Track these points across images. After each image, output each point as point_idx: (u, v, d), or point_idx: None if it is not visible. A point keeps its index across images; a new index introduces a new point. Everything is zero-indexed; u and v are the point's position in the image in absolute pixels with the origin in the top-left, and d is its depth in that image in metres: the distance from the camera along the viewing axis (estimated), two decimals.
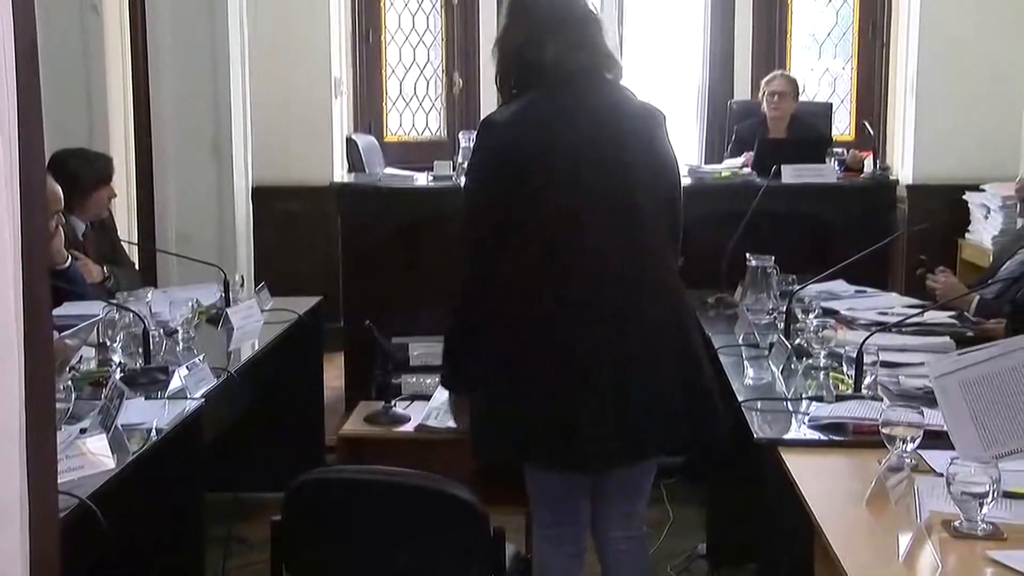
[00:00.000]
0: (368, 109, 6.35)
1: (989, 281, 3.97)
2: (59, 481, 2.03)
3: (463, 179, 4.74)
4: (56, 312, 3.36)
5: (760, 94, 5.52)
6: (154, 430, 2.46)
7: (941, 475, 1.93)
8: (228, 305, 3.67)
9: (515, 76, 2.48)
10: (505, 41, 2.50)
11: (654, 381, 2.40)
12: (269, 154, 5.50)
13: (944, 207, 5.37)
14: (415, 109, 6.53)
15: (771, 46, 6.36)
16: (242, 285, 3.94)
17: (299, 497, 2.22)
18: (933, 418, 2.27)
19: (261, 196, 5.43)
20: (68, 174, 3.74)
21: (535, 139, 2.40)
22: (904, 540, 1.79)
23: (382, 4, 6.29)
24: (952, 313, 3.46)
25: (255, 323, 3.59)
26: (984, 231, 5.19)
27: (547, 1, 2.48)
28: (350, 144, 5.77)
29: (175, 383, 2.79)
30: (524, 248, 2.40)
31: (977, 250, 5.23)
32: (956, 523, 1.85)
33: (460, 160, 4.88)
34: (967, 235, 5.37)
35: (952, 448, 2.09)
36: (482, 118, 2.58)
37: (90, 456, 2.17)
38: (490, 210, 2.42)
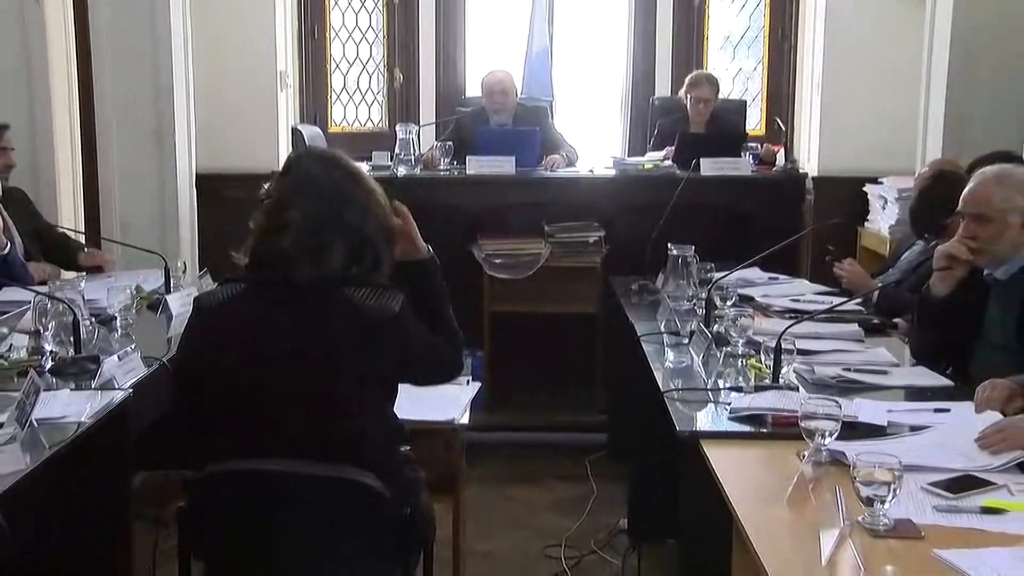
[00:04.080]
0: (313, 101, 6.10)
1: (889, 270, 3.85)
2: None
3: (400, 169, 4.63)
4: None
5: (683, 92, 5.30)
6: (78, 423, 2.20)
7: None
8: (169, 292, 3.41)
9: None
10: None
11: None
12: (215, 143, 5.18)
13: (846, 198, 5.23)
14: (358, 102, 6.30)
15: (689, 48, 6.20)
16: (184, 271, 3.67)
17: (202, 486, 2.00)
18: (849, 408, 2.11)
19: (206, 184, 5.11)
20: None
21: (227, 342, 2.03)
22: (825, 538, 1.62)
23: (327, 3, 6.06)
24: (858, 300, 3.32)
25: None
26: (882, 220, 5.09)
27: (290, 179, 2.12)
28: (295, 134, 5.50)
29: (105, 373, 2.52)
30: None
31: (875, 238, 5.13)
32: (860, 518, 1.67)
33: (398, 151, 4.70)
34: (866, 224, 5.26)
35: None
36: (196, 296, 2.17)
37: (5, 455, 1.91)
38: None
